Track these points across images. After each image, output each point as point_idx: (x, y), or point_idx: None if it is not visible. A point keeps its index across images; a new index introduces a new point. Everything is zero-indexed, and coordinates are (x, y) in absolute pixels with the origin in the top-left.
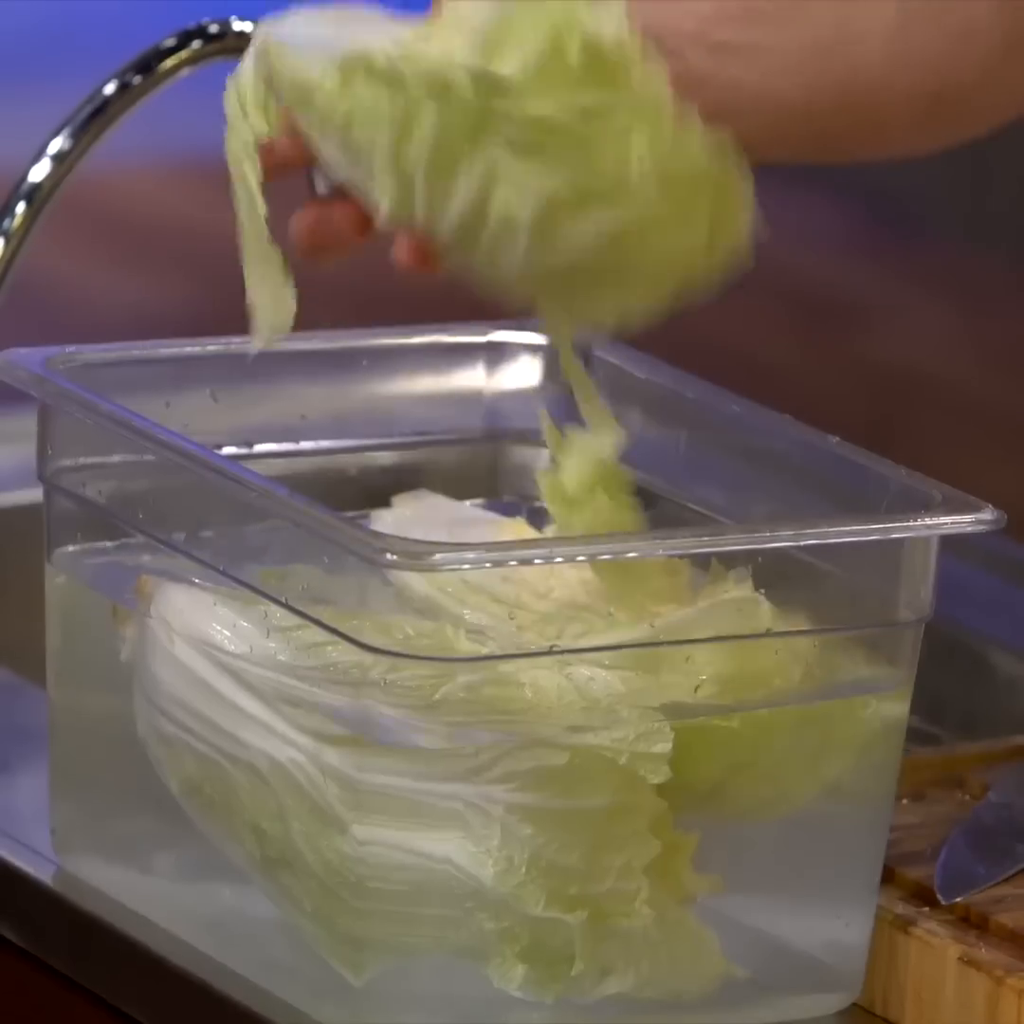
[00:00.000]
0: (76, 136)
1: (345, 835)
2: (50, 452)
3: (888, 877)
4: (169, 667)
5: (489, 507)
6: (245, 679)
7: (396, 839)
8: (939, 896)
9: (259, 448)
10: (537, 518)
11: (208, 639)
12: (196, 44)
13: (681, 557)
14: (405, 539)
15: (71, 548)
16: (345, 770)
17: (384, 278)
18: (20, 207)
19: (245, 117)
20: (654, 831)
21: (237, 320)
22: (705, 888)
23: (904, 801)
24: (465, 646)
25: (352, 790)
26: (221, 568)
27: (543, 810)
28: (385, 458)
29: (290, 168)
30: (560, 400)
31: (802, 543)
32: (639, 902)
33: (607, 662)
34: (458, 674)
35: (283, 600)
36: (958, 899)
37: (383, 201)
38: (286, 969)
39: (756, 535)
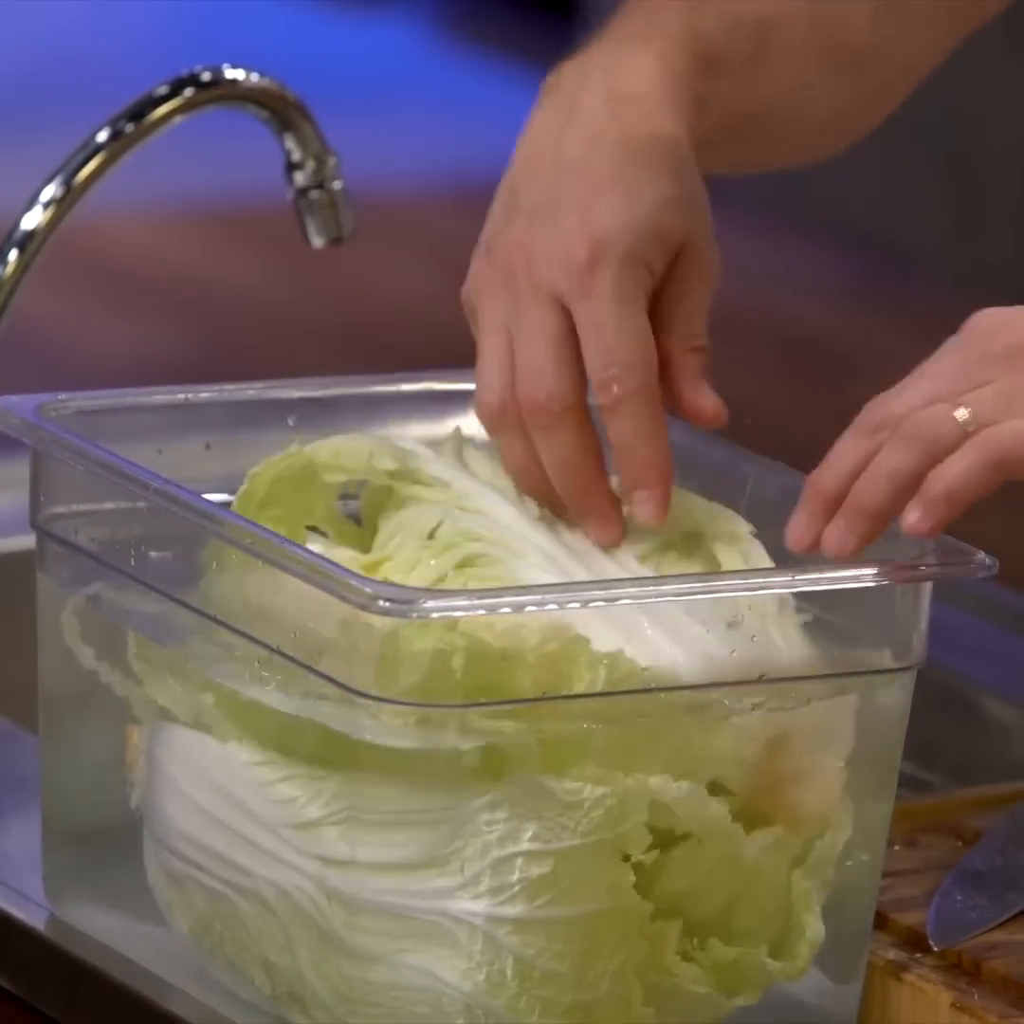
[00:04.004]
0: (69, 183)
1: (353, 959)
2: (42, 499)
3: (881, 923)
4: (176, 802)
5: None
6: (249, 808)
7: (399, 960)
8: (932, 942)
9: None
10: None
11: (209, 775)
12: (189, 92)
13: (675, 602)
14: (397, 586)
15: (64, 595)
16: (349, 892)
17: (376, 326)
18: (13, 254)
19: None
20: (638, 931)
21: (229, 366)
22: (694, 979)
23: (897, 847)
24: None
25: (356, 912)
26: (212, 615)
27: (532, 921)
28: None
29: None
30: None
31: (795, 589)
32: (636, 1005)
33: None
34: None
35: (275, 647)
36: (951, 945)
37: None
38: (275, 1015)
39: (749, 581)
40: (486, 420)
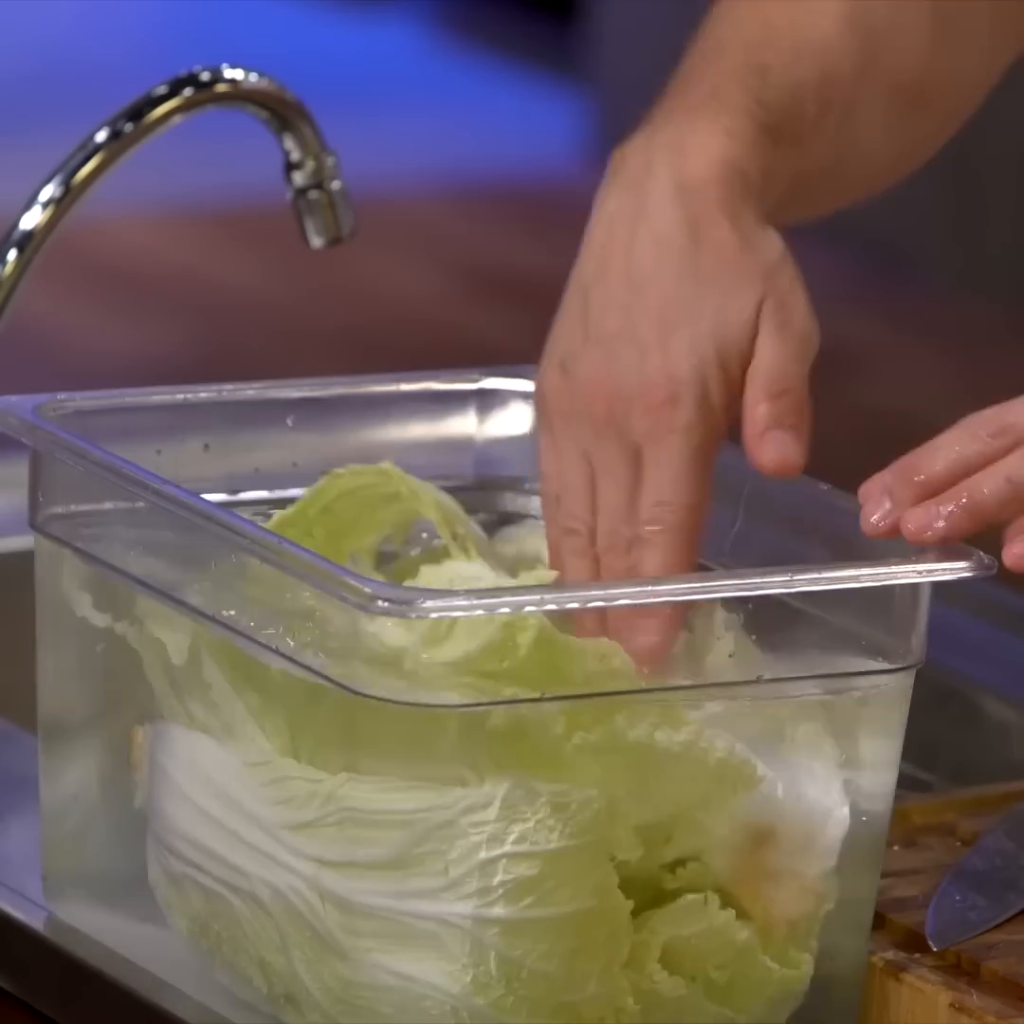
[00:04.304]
0: (68, 183)
1: (345, 960)
2: (41, 499)
3: (880, 923)
4: (176, 803)
5: None
6: (246, 809)
7: (389, 962)
8: (931, 943)
9: (250, 495)
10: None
11: (209, 776)
12: (188, 92)
13: (672, 603)
14: (395, 586)
15: (62, 594)
16: (343, 894)
17: (375, 326)
18: (12, 254)
19: None
20: (624, 931)
21: (228, 366)
22: (675, 987)
23: (896, 847)
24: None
25: (350, 913)
26: (210, 614)
27: (518, 921)
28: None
29: None
30: None
31: (794, 589)
32: (625, 999)
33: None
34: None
35: (274, 648)
36: (950, 946)
37: None
38: (273, 1016)
39: (748, 581)
40: (567, 545)
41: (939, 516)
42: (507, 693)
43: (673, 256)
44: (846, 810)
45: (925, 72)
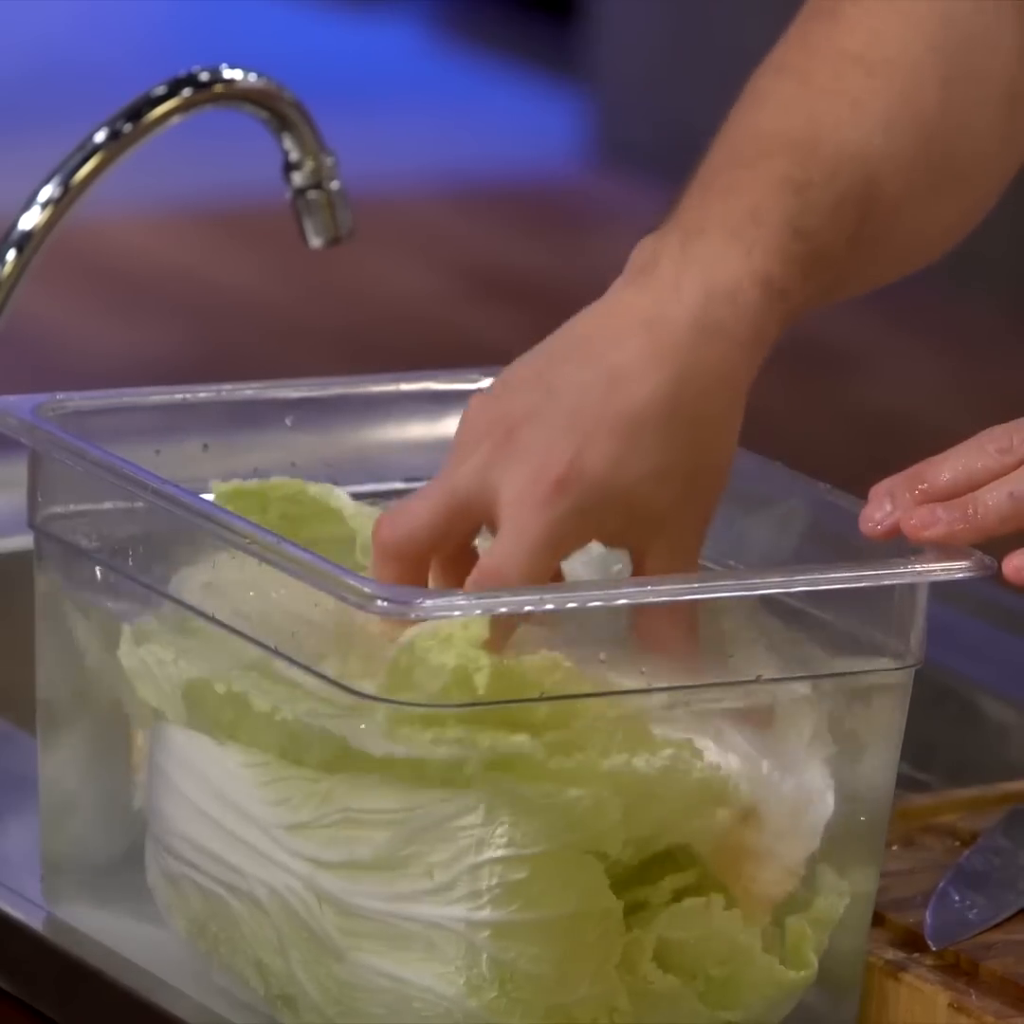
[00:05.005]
0: (67, 183)
1: (342, 961)
2: (40, 499)
3: (878, 923)
4: (174, 803)
5: None
6: (243, 809)
7: (384, 964)
8: (929, 942)
9: None
10: None
11: (207, 776)
12: (187, 92)
13: (671, 603)
14: (395, 586)
15: (61, 595)
16: (339, 895)
17: (374, 325)
18: (10, 254)
19: None
20: (616, 931)
21: (227, 366)
22: (671, 986)
23: (894, 847)
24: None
25: (346, 915)
26: (211, 614)
27: (510, 924)
28: (376, 506)
29: None
30: None
31: (792, 589)
32: (619, 1000)
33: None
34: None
35: (273, 646)
36: (948, 945)
37: None
38: (271, 1017)
39: (746, 581)
40: None
41: (941, 519)
42: (483, 736)
43: (645, 391)
44: (831, 795)
45: (990, 142)
